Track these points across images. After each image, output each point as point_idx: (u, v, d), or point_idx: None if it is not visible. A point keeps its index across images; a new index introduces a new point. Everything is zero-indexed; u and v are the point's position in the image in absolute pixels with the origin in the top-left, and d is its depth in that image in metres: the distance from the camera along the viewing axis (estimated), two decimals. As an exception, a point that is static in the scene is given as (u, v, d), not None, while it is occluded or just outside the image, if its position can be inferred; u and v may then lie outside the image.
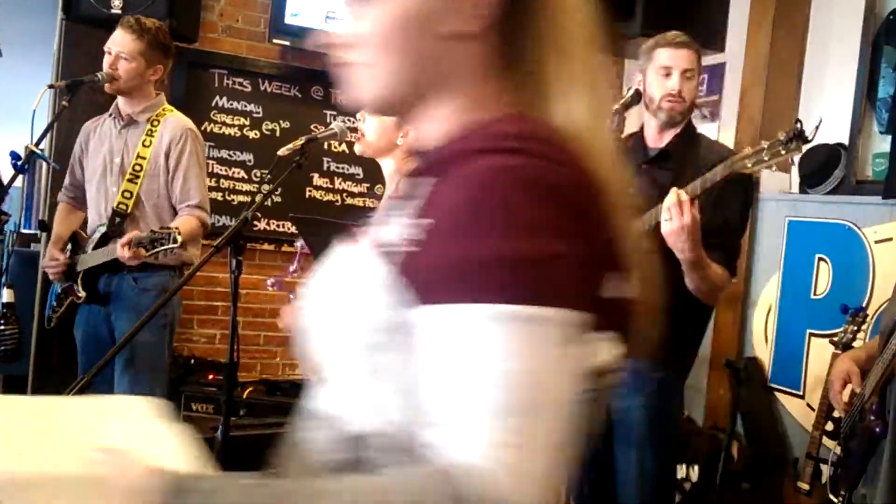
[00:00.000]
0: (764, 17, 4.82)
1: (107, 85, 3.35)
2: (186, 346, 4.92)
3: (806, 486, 3.70)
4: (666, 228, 2.40)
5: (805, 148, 2.33)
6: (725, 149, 2.85)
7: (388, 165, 2.81)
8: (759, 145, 2.29)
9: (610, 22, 3.94)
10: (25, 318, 4.16)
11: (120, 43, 3.34)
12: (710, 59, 5.18)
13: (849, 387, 2.60)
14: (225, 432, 2.74)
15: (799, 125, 2.21)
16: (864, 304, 3.99)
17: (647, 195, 2.67)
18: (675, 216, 2.37)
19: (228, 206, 4.99)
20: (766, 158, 2.27)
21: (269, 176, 4.93)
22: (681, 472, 4.48)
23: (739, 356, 4.77)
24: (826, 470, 3.65)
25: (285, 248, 5.13)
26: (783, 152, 2.23)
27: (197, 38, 4.79)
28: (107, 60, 3.35)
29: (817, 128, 2.33)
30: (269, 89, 5.13)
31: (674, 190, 2.39)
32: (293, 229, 5.03)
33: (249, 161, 5.09)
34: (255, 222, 5.03)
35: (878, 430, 2.46)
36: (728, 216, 2.67)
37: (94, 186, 3.48)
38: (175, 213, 3.43)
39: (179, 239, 3.02)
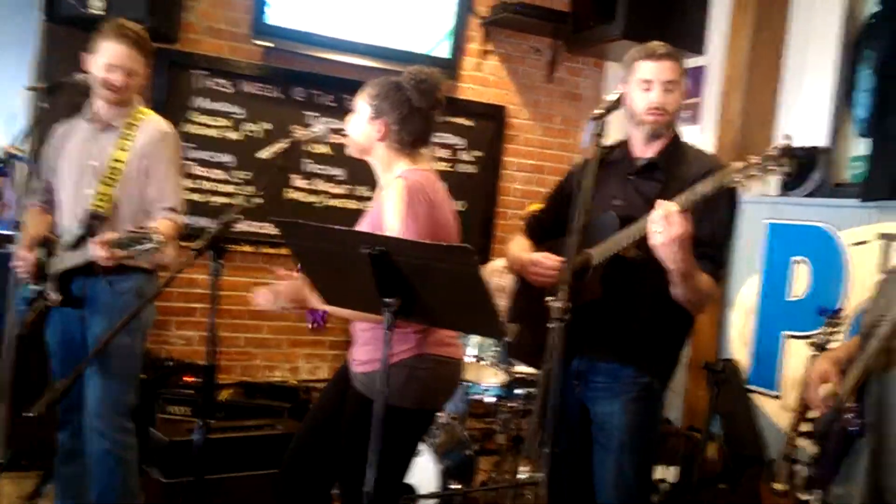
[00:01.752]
0: (744, 20, 4.84)
1: (111, 95, 3.31)
2: (164, 347, 4.88)
3: (782, 487, 3.72)
4: (656, 240, 2.38)
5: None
6: (712, 159, 2.85)
7: (375, 166, 2.83)
8: (749, 160, 2.28)
9: (591, 25, 4.01)
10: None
11: (126, 58, 3.28)
12: (690, 63, 5.20)
13: (826, 386, 2.61)
14: (203, 435, 2.72)
15: (789, 141, 2.21)
16: (840, 307, 4.02)
17: (634, 207, 2.68)
18: (665, 228, 2.36)
19: (208, 208, 4.95)
20: (754, 174, 2.27)
21: (250, 178, 4.96)
22: (658, 472, 4.50)
23: (717, 358, 4.79)
24: (802, 470, 3.68)
25: (265, 249, 5.11)
26: (772, 169, 2.23)
27: (177, 38, 4.76)
28: (115, 76, 3.28)
29: (797, 152, 2.34)
30: (250, 90, 5.09)
31: (662, 202, 2.38)
32: (273, 231, 5.01)
33: (230, 162, 5.05)
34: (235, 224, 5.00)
35: (854, 429, 2.48)
36: (715, 226, 2.66)
37: (69, 189, 3.43)
38: (148, 215, 3.40)
39: (160, 239, 2.99)
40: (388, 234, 2.57)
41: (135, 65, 3.31)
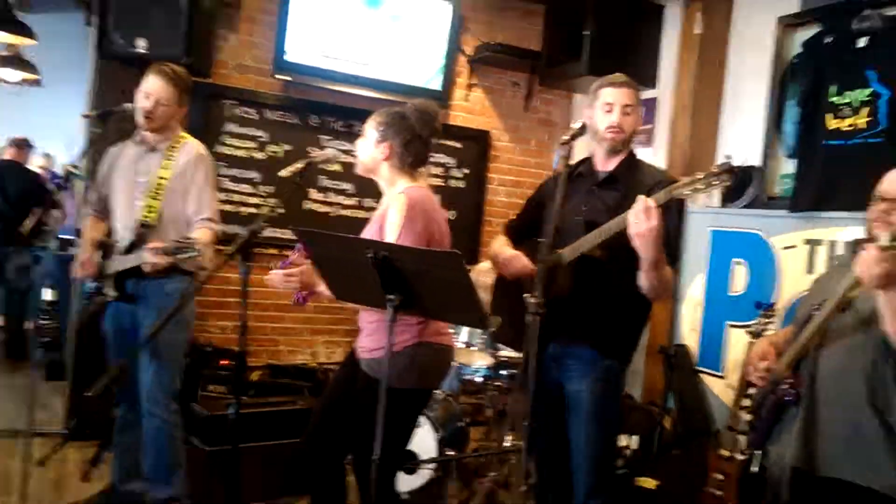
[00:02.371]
0: (689, 58, 4.88)
1: (145, 122, 3.34)
2: (203, 336, 4.88)
3: (726, 454, 3.75)
4: (635, 230, 2.39)
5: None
6: (662, 172, 2.88)
7: (379, 182, 2.85)
8: (696, 175, 2.31)
9: (561, 63, 4.05)
10: (63, 313, 4.13)
11: (159, 90, 3.32)
12: (644, 95, 5.22)
13: (764, 363, 2.64)
14: (237, 410, 2.74)
15: (729, 160, 2.24)
16: (772, 301, 4.05)
17: (597, 213, 2.71)
18: (642, 220, 2.37)
19: (238, 217, 4.97)
20: (700, 187, 2.29)
21: (273, 191, 4.97)
22: (623, 441, 4.52)
23: (671, 343, 4.82)
24: (743, 440, 3.71)
25: (285, 251, 5.09)
26: (715, 183, 2.26)
27: (210, 73, 4.77)
28: (147, 103, 3.31)
29: (735, 169, 2.36)
30: (272, 117, 5.10)
31: (642, 198, 2.40)
32: (292, 235, 5.04)
33: (256, 178, 5.07)
34: (261, 231, 5.02)
35: (788, 398, 2.51)
36: (669, 226, 2.65)
37: (121, 202, 3.46)
38: (188, 224, 3.43)
39: (201, 248, 3.03)
40: (388, 240, 2.59)
41: (164, 95, 3.34)
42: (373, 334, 2.76)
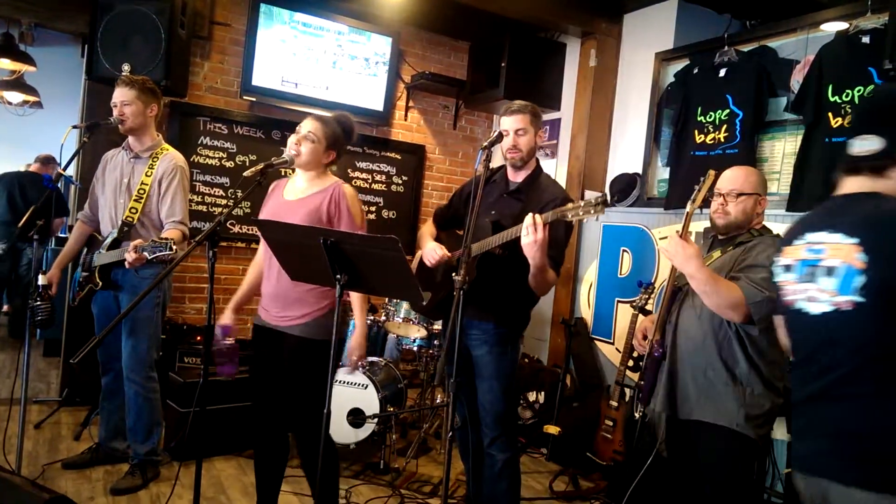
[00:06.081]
0: (586, 87, 4.90)
1: (120, 127, 3.18)
2: (181, 315, 4.71)
3: (615, 404, 3.77)
4: (523, 241, 2.39)
5: (607, 210, 2.37)
6: (558, 189, 2.82)
7: (308, 175, 2.74)
8: (578, 203, 2.32)
9: (483, 90, 3.96)
10: (60, 297, 3.93)
11: (120, 95, 3.18)
12: (550, 116, 5.25)
13: (648, 338, 2.65)
14: (205, 377, 2.60)
15: (602, 196, 2.25)
16: (652, 281, 4.09)
17: (503, 217, 2.67)
18: (530, 233, 2.36)
19: (211, 216, 4.81)
20: (580, 213, 2.30)
21: (238, 192, 4.81)
22: (532, 396, 4.52)
23: (571, 316, 4.84)
24: (628, 392, 3.73)
25: (253, 245, 4.97)
26: (592, 211, 2.27)
27: (186, 94, 4.58)
28: (116, 110, 3.17)
29: (611, 199, 2.40)
30: (240, 132, 4.94)
31: (531, 214, 2.38)
32: (258, 232, 4.89)
33: (226, 183, 4.89)
34: (231, 227, 4.85)
35: (657, 353, 2.53)
36: (557, 236, 2.64)
37: (107, 200, 3.29)
38: (162, 224, 3.26)
39: (175, 248, 2.87)
40: (344, 226, 2.56)
41: (126, 98, 3.19)
42: (295, 303, 2.65)
